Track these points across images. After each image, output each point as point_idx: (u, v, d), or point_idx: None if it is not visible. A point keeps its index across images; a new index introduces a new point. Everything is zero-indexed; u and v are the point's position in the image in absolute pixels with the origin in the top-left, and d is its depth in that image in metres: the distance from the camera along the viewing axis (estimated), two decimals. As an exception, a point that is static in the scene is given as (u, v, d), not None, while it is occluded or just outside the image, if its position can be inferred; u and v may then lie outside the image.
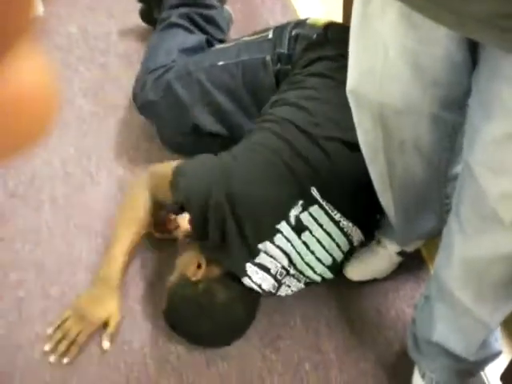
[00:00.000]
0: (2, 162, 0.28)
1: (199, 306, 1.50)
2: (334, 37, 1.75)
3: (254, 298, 1.55)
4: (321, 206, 1.50)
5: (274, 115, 1.63)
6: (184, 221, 1.75)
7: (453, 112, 1.19)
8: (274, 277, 1.52)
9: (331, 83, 1.66)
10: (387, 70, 1.12)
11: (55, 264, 1.74)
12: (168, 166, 1.61)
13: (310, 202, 1.49)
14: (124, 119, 2.09)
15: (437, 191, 1.45)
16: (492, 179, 1.04)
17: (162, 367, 1.56)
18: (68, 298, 1.66)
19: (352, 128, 1.46)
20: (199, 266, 1.52)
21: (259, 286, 1.50)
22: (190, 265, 1.53)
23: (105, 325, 1.60)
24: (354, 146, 1.47)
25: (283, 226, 1.48)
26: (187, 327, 1.55)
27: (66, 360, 1.55)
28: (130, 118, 2.09)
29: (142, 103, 1.92)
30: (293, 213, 1.48)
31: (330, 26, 1.80)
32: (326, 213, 1.51)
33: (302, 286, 1.58)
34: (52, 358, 1.56)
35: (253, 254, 1.48)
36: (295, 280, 1.55)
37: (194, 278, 1.50)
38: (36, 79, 0.27)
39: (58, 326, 1.59)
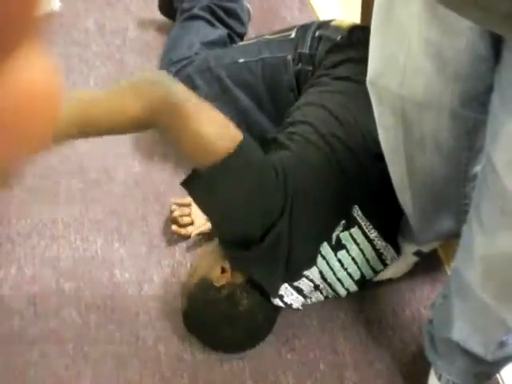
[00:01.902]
0: (10, 163, 0.27)
1: (220, 312, 1.48)
2: (359, 39, 1.72)
3: (274, 305, 1.54)
4: (360, 227, 1.48)
5: (313, 127, 1.54)
6: (201, 219, 1.74)
7: (473, 109, 1.18)
8: (305, 296, 1.52)
9: (359, 88, 1.62)
10: (410, 61, 1.11)
11: (70, 259, 1.73)
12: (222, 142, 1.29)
13: (351, 223, 1.47)
14: (140, 115, 2.09)
15: (456, 190, 1.44)
16: None
17: (176, 365, 1.56)
18: (83, 294, 1.66)
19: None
20: (223, 271, 1.49)
21: (289, 306, 1.50)
22: (213, 268, 1.50)
23: None
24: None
25: (324, 246, 1.47)
26: (206, 332, 1.54)
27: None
28: (146, 115, 2.09)
29: None
30: (335, 233, 1.47)
31: (355, 29, 1.77)
32: (363, 232, 1.49)
33: (322, 298, 1.58)
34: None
35: (294, 278, 1.47)
36: (318, 293, 1.55)
37: (217, 284, 1.48)
38: (42, 77, 0.26)
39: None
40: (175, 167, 1.93)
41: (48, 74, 0.27)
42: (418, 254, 1.68)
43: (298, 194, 1.39)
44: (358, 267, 1.52)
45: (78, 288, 1.68)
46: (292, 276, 1.47)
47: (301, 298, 1.52)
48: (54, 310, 1.64)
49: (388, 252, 1.54)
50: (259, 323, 1.53)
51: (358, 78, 1.61)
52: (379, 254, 1.53)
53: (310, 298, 1.55)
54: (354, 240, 1.49)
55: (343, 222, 1.47)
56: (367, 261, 1.53)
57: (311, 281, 1.49)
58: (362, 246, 1.50)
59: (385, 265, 1.57)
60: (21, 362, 1.55)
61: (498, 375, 1.54)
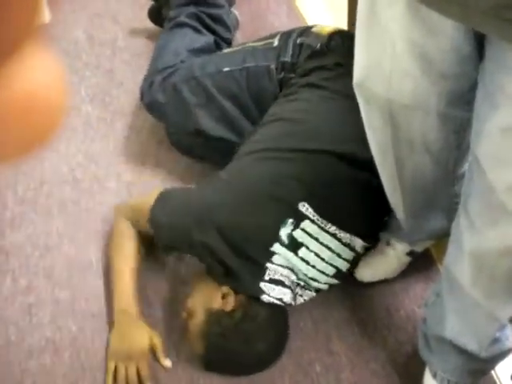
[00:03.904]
0: (13, 162, 0.28)
1: (245, 333, 1.46)
2: (337, 45, 1.75)
3: (283, 307, 1.54)
4: (312, 221, 1.49)
5: (263, 135, 1.65)
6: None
7: (460, 108, 1.19)
8: (290, 288, 1.51)
9: (325, 94, 1.66)
10: (396, 64, 1.12)
11: (65, 269, 1.74)
12: (145, 204, 1.60)
13: (299, 218, 1.48)
14: (131, 124, 2.10)
15: (445, 190, 1.45)
16: (499, 170, 1.04)
17: (172, 370, 1.56)
18: (78, 302, 1.67)
19: (346, 140, 1.51)
20: (224, 297, 1.48)
21: (280, 300, 1.49)
22: (212, 299, 1.49)
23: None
24: (348, 159, 1.52)
25: (277, 247, 1.47)
26: (241, 360, 1.49)
27: None
28: (137, 123, 2.10)
29: (148, 102, 1.93)
30: (283, 232, 1.47)
31: (335, 35, 1.79)
32: (320, 227, 1.49)
33: (313, 294, 1.58)
34: None
35: (261, 273, 1.47)
36: (306, 290, 1.55)
37: (227, 309, 1.46)
38: (48, 78, 0.27)
39: (114, 380, 1.52)
40: (166, 174, 1.94)
41: (54, 73, 0.27)
42: (411, 253, 1.69)
43: (221, 207, 1.49)
44: (327, 263, 1.52)
45: (73, 297, 1.69)
46: (257, 272, 1.47)
47: (288, 291, 1.50)
48: (49, 320, 1.64)
49: (355, 242, 1.55)
50: (282, 326, 1.54)
51: (326, 84, 1.66)
52: (347, 245, 1.54)
53: (301, 295, 1.55)
54: (310, 235, 1.49)
55: (291, 220, 1.47)
56: (338, 255, 1.53)
57: (280, 273, 1.48)
58: (323, 241, 1.50)
59: (356, 253, 1.57)
60: (18, 372, 1.55)
61: (493, 372, 1.55)
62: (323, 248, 1.51)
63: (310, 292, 1.56)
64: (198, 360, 1.53)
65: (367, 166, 1.44)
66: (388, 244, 1.68)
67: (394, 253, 1.67)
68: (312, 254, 1.50)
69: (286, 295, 1.50)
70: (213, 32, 2.13)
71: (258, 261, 1.47)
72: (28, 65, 0.26)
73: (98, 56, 2.32)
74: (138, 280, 1.62)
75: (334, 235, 1.51)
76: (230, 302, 1.47)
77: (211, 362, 1.51)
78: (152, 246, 1.67)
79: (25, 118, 0.26)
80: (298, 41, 1.81)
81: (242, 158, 1.63)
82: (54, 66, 0.27)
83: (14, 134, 0.27)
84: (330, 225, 1.50)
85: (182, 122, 1.88)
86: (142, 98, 1.96)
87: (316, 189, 1.51)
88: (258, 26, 2.41)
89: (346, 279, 1.62)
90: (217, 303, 1.48)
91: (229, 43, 2.18)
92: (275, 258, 1.47)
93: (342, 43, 1.74)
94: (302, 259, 1.49)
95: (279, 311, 1.52)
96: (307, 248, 1.49)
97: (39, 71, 0.27)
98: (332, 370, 1.57)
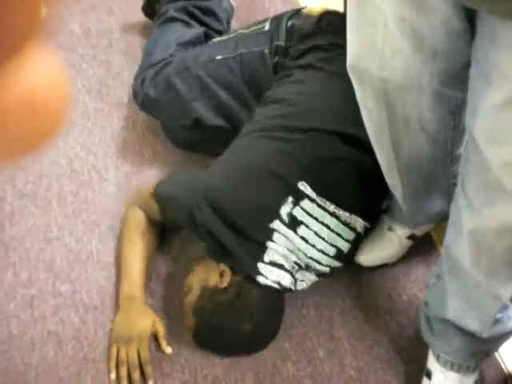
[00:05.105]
0: (14, 161, 0.28)
1: (236, 310, 1.46)
2: (328, 26, 1.74)
3: (280, 295, 1.54)
4: (312, 200, 1.49)
5: (260, 116, 1.66)
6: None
7: (454, 88, 1.19)
8: (290, 272, 1.50)
9: (321, 75, 1.66)
10: (388, 42, 1.11)
11: (66, 261, 1.74)
12: (149, 188, 1.64)
13: (299, 197, 1.49)
14: (128, 115, 2.09)
15: (443, 171, 1.45)
16: (494, 148, 1.04)
17: (175, 360, 1.56)
18: (79, 294, 1.67)
19: (343, 119, 1.53)
20: (221, 275, 1.49)
21: (278, 283, 1.49)
22: (209, 277, 1.50)
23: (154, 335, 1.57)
24: (346, 137, 1.53)
25: (277, 224, 1.47)
26: (227, 338, 1.49)
27: (151, 382, 1.52)
28: (134, 114, 2.09)
29: (142, 100, 1.92)
30: (283, 211, 1.47)
31: (325, 15, 1.79)
32: (319, 205, 1.50)
33: (315, 278, 1.57)
34: None
35: (260, 252, 1.47)
36: (307, 273, 1.54)
37: (222, 286, 1.47)
38: (49, 77, 0.27)
39: (117, 365, 1.53)
40: (163, 163, 1.94)
41: (56, 73, 0.27)
42: (411, 237, 1.68)
43: (220, 186, 1.50)
44: (327, 242, 1.52)
45: (74, 289, 1.69)
46: (256, 252, 1.47)
47: (287, 275, 1.50)
48: (51, 312, 1.64)
49: (355, 221, 1.55)
50: (275, 309, 1.52)
51: (322, 65, 1.67)
52: (347, 224, 1.54)
53: (302, 279, 1.54)
54: (309, 213, 1.49)
55: (290, 198, 1.48)
56: (338, 234, 1.53)
57: (280, 255, 1.48)
58: (323, 221, 1.50)
59: (357, 233, 1.57)
60: (21, 365, 1.56)
61: (497, 355, 1.54)
62: (323, 227, 1.50)
63: (310, 275, 1.55)
64: (190, 335, 1.53)
65: (364, 144, 1.44)
66: (389, 228, 1.68)
67: (395, 237, 1.67)
68: (312, 232, 1.50)
69: (284, 279, 1.49)
70: (204, 24, 2.11)
71: (258, 240, 1.47)
72: (29, 64, 0.26)
73: (94, 47, 2.31)
74: (147, 268, 1.63)
75: (333, 214, 1.51)
76: (226, 280, 1.47)
77: (199, 337, 1.52)
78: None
79: (26, 119, 0.26)
80: (289, 23, 1.81)
81: (241, 139, 1.65)
82: (55, 66, 0.27)
83: (16, 135, 0.26)
84: (328, 203, 1.50)
85: (178, 115, 1.87)
86: (134, 96, 1.95)
87: (314, 167, 1.51)
88: (253, 13, 2.40)
89: (349, 263, 1.62)
90: (213, 280, 1.49)
91: (221, 34, 2.16)
92: (275, 237, 1.47)
93: (332, 23, 1.74)
94: (302, 238, 1.49)
95: (275, 297, 1.51)
96: (307, 226, 1.49)
97: (40, 71, 0.26)
98: (335, 356, 1.57)
